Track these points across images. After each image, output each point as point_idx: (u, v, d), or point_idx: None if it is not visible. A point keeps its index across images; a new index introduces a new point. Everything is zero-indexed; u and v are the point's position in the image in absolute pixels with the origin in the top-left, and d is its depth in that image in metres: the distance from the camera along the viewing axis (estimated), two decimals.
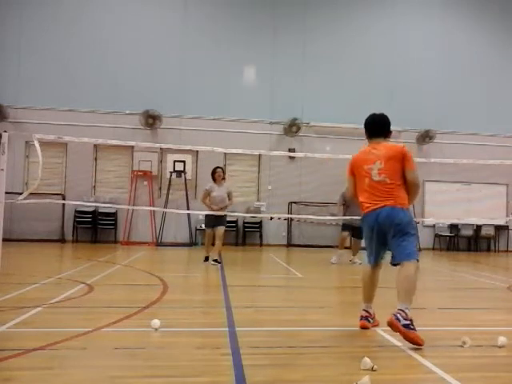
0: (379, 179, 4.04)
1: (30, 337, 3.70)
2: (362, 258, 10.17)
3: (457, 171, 15.33)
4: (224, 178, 9.40)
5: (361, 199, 4.20)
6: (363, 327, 4.20)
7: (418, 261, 3.95)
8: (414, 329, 3.63)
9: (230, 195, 9.29)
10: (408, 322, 3.62)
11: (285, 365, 3.21)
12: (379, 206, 4.01)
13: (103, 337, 3.78)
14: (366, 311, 4.27)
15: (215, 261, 9.22)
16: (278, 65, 15.73)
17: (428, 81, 16.06)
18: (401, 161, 4.01)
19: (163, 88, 15.04)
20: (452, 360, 3.43)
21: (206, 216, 9.35)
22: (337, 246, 10.75)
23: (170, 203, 14.42)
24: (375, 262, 4.22)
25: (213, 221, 9.24)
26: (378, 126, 4.28)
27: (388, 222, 3.96)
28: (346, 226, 10.37)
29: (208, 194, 9.20)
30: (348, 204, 9.99)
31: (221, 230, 9.24)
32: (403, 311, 3.67)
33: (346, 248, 10.78)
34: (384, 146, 4.15)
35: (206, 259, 9.42)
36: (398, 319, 3.62)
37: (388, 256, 4.17)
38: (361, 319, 4.24)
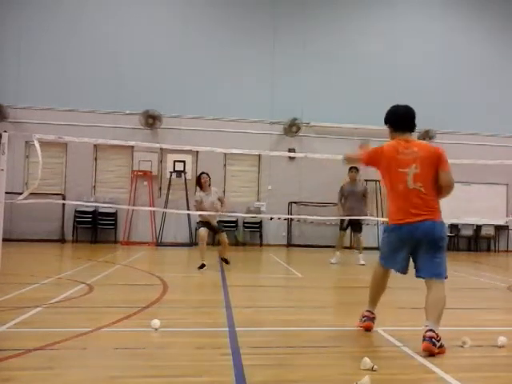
0: (414, 187, 3.74)
1: (30, 337, 3.71)
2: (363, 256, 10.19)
3: (457, 171, 15.20)
4: (210, 184, 8.77)
5: (392, 207, 3.89)
6: (368, 328, 4.10)
7: (446, 278, 3.80)
8: (443, 345, 3.53)
9: (221, 200, 8.77)
10: (440, 342, 3.50)
11: (285, 365, 3.21)
12: (418, 219, 3.73)
13: (103, 337, 3.78)
14: (371, 312, 4.17)
15: (225, 260, 9.03)
16: (277, 65, 15.72)
17: (428, 81, 16.05)
18: (435, 164, 3.76)
19: (163, 88, 15.03)
20: (452, 360, 3.43)
21: (202, 219, 8.76)
22: (331, 246, 10.72)
23: (169, 203, 14.41)
24: (400, 271, 3.93)
25: (207, 225, 8.72)
26: (406, 119, 3.97)
27: (428, 237, 3.72)
28: (343, 225, 10.32)
29: (200, 203, 8.64)
30: (347, 197, 10.04)
31: (224, 235, 8.90)
32: (434, 332, 3.49)
33: (348, 248, 10.78)
34: (419, 146, 3.85)
35: (202, 266, 8.50)
36: (434, 344, 3.44)
37: None
38: (366, 320, 4.13)
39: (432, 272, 3.74)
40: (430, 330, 3.50)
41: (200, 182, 8.70)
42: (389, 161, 3.85)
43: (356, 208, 9.93)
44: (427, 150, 3.82)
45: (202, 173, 8.89)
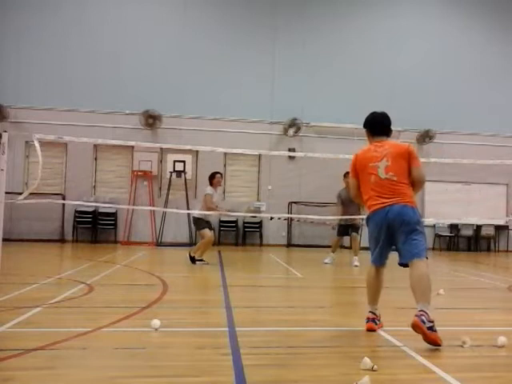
0: (386, 177, 3.99)
1: (30, 337, 3.70)
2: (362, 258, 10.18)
3: (457, 171, 15.31)
4: (220, 184, 9.31)
5: (366, 197, 4.14)
6: (370, 330, 4.11)
7: (427, 258, 3.93)
8: (435, 330, 3.62)
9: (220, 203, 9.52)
10: (431, 324, 3.60)
11: (285, 365, 3.21)
12: (388, 203, 3.95)
13: (103, 337, 3.78)
14: (373, 313, 4.18)
15: (192, 258, 9.12)
16: (277, 65, 15.73)
17: (428, 81, 16.05)
18: (407, 159, 4.01)
19: (163, 88, 15.03)
20: (452, 360, 3.43)
21: (207, 219, 9.07)
22: (330, 246, 10.74)
23: (170, 203, 14.41)
24: (381, 262, 4.14)
25: (210, 224, 9.26)
26: (381, 125, 4.24)
27: (398, 220, 3.90)
28: (341, 231, 10.31)
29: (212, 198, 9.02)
30: (345, 203, 9.99)
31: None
32: (425, 312, 3.62)
33: (349, 248, 10.78)
34: (389, 145, 4.12)
35: (201, 260, 9.10)
36: (423, 322, 3.56)
37: (391, 256, 4.15)
38: (367, 321, 4.15)
39: (411, 254, 3.89)
40: (421, 311, 3.64)
41: (214, 180, 9.06)
42: (361, 160, 4.19)
43: (354, 214, 9.90)
44: (398, 148, 4.10)
45: (217, 172, 9.30)
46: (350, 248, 12.89)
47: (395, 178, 3.98)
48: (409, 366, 3.28)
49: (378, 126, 4.24)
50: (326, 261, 10.15)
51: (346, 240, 12.24)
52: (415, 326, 3.60)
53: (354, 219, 9.86)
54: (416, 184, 4.05)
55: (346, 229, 10.22)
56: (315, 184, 15.24)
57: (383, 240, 4.05)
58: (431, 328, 3.59)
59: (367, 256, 4.43)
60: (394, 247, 4.11)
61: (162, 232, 14.64)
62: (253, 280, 8.00)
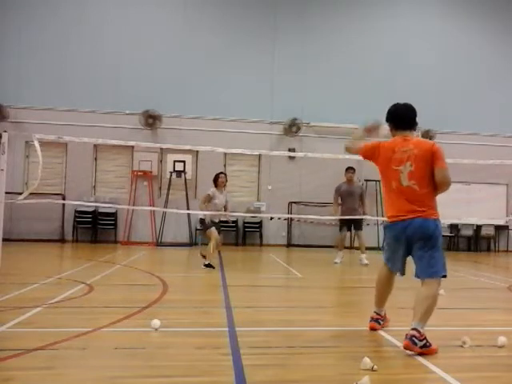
0: (408, 184, 3.78)
1: (30, 337, 3.70)
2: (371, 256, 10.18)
3: (457, 171, 15.16)
4: (225, 185, 9.01)
5: (386, 204, 3.99)
6: (373, 329, 4.12)
7: (445, 276, 3.78)
8: (430, 345, 3.51)
9: (227, 205, 9.00)
10: (424, 342, 3.47)
11: (285, 365, 3.22)
12: (409, 216, 3.75)
13: (103, 337, 3.78)
14: (378, 314, 4.18)
15: (204, 257, 8.92)
16: (277, 65, 15.73)
17: (428, 81, 16.04)
18: (430, 161, 3.75)
19: (163, 88, 15.03)
20: (452, 360, 3.43)
21: (212, 219, 8.80)
22: (336, 247, 10.73)
23: (170, 203, 14.41)
24: (398, 272, 4.01)
25: (218, 225, 8.95)
26: (406, 118, 3.98)
27: (418, 234, 3.73)
28: (343, 226, 10.26)
29: (209, 199, 8.73)
30: (344, 197, 10.00)
31: (221, 235, 9.20)
32: (418, 331, 3.49)
33: (348, 248, 10.78)
34: (414, 144, 3.84)
35: (210, 266, 8.58)
36: (414, 343, 3.44)
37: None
38: (371, 321, 4.16)
39: (426, 272, 3.74)
40: (413, 329, 3.51)
41: (217, 181, 8.88)
42: (385, 159, 3.94)
43: (354, 209, 9.90)
44: (422, 148, 3.81)
45: (221, 172, 9.14)
46: (350, 248, 12.91)
47: (417, 188, 3.76)
48: (409, 365, 3.28)
49: (401, 119, 3.98)
50: (336, 260, 10.10)
51: (346, 240, 12.25)
52: (407, 349, 3.48)
53: (355, 215, 9.84)
54: (440, 187, 3.79)
55: (347, 223, 10.15)
56: (315, 184, 15.23)
57: (401, 251, 3.91)
58: (425, 346, 3.48)
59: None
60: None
61: (162, 232, 14.65)
62: (253, 280, 8.00)
